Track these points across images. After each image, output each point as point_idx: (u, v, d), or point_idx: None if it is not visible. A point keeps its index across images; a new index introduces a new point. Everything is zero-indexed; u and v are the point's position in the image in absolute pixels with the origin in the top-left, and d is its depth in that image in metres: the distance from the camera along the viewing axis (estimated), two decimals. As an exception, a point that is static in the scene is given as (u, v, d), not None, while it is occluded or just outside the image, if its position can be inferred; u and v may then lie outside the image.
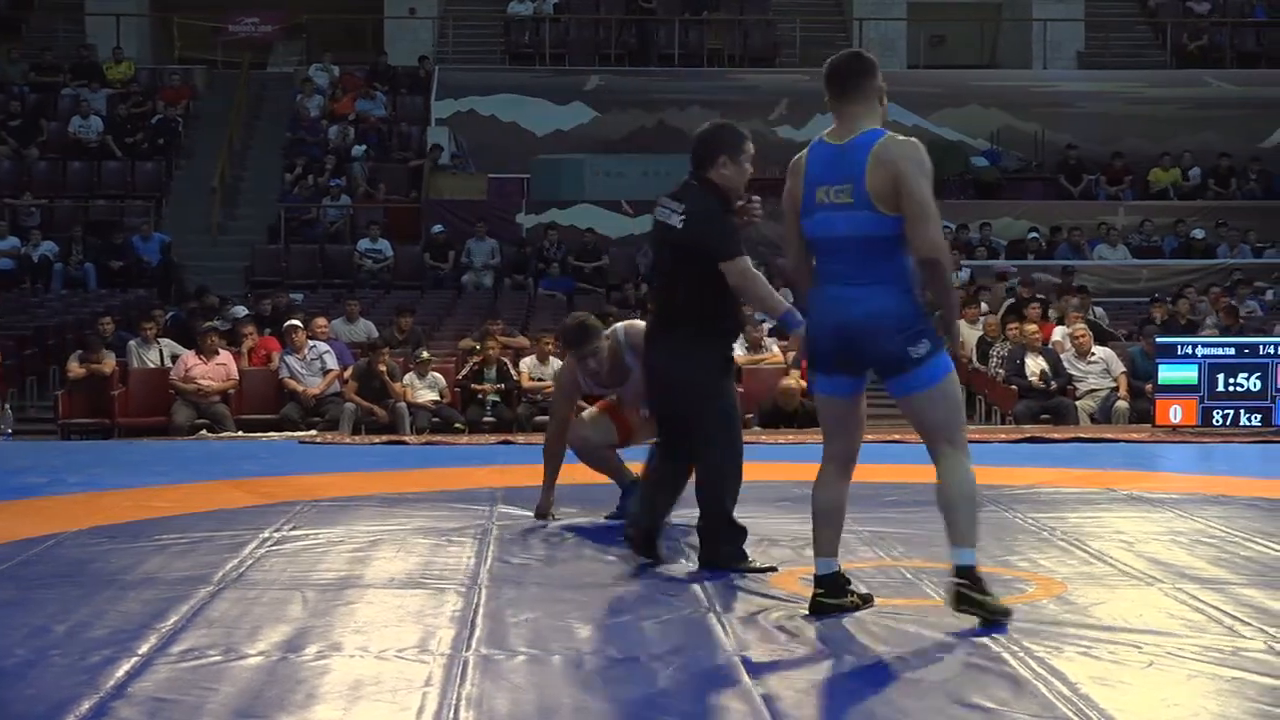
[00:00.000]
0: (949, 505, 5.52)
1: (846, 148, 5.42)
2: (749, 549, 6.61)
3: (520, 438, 13.44)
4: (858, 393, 5.64)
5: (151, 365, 15.66)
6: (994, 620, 5.35)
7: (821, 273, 5.51)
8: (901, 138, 5.39)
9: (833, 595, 5.57)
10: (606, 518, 8.02)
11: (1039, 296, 18.86)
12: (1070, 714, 4.34)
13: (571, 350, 7.98)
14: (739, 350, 15.33)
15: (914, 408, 5.53)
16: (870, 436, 13.02)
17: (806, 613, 5.56)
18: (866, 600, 5.68)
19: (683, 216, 6.44)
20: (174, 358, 15.55)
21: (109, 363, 15.44)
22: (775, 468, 10.82)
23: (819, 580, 5.58)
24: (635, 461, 7.52)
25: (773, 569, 6.49)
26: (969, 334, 17.26)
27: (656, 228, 6.62)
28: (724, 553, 6.47)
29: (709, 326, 6.46)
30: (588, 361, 7.84)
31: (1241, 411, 12.88)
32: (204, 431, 14.36)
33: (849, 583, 5.71)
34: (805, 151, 5.59)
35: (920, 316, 5.41)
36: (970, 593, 5.35)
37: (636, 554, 6.65)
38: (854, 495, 8.43)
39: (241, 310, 17.85)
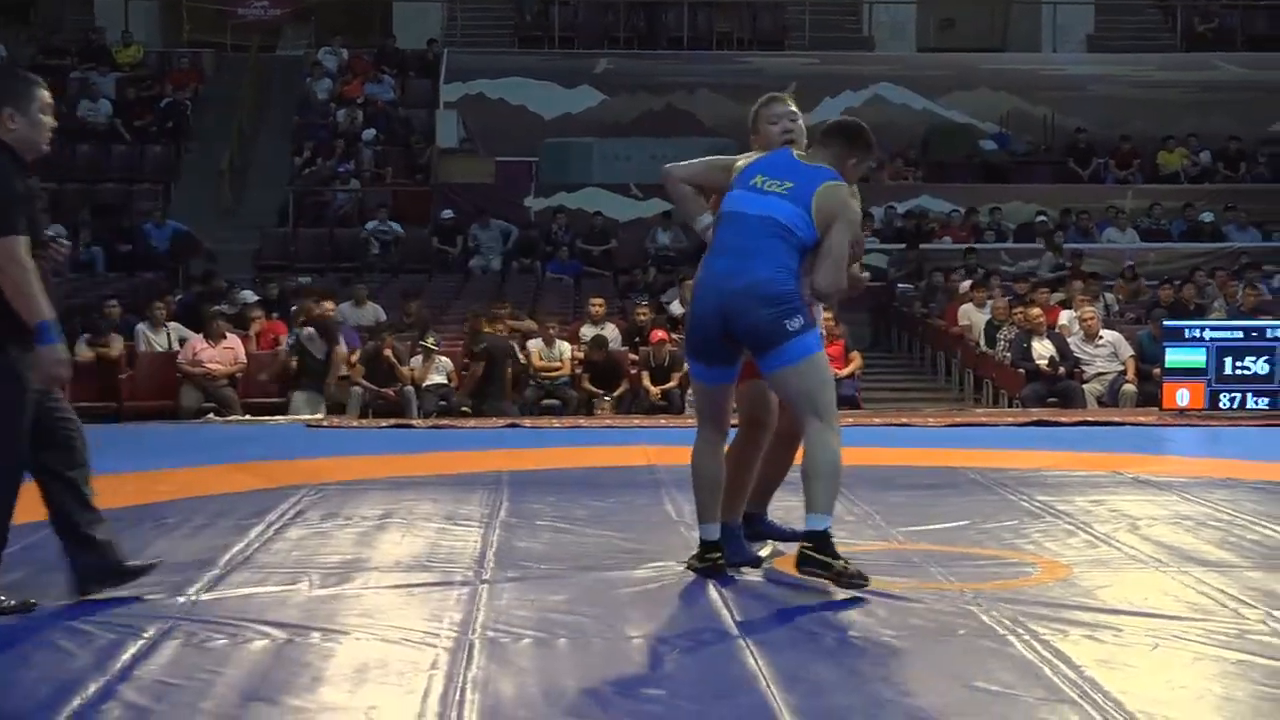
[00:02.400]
0: (812, 475, 5.64)
1: (805, 165, 5.82)
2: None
3: (527, 421, 13.46)
4: (732, 380, 5.89)
5: (160, 349, 15.66)
6: (845, 583, 5.53)
7: (714, 246, 5.81)
8: (847, 190, 5.80)
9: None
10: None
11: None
12: (1076, 697, 4.34)
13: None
14: None
15: (785, 380, 5.67)
16: (878, 420, 13.09)
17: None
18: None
19: None
20: (181, 341, 15.55)
21: (116, 346, 15.44)
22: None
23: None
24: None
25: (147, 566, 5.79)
26: (976, 317, 17.25)
27: None
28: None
29: None
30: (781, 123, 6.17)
31: (1249, 395, 12.87)
32: (211, 415, 14.37)
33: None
34: (757, 155, 5.99)
35: (798, 295, 5.65)
36: (814, 554, 5.56)
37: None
38: (862, 478, 8.49)
39: (250, 295, 17.82)
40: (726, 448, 6.11)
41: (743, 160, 5.96)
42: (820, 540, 5.60)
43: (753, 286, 5.60)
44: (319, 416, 13.86)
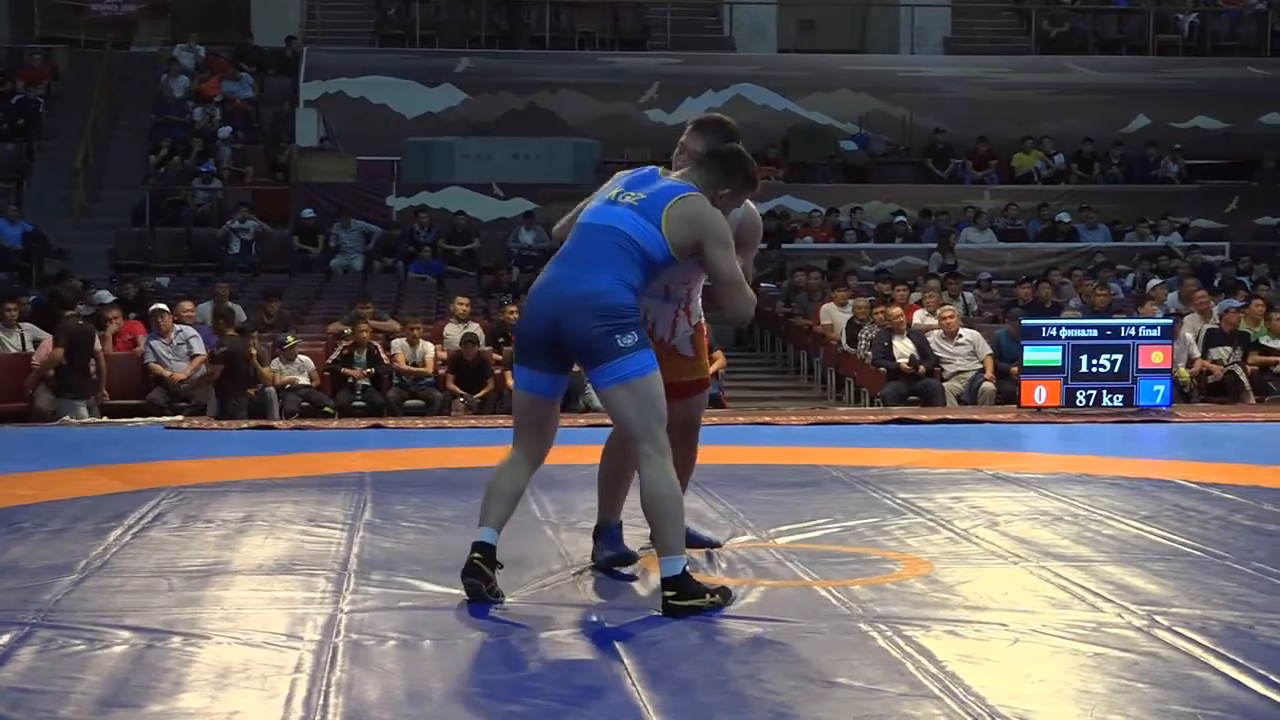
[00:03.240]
0: (656, 514, 5.37)
1: (665, 181, 5.64)
2: None
3: (390, 421, 13.38)
4: (556, 395, 5.64)
5: (13, 350, 15.35)
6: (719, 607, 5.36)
7: (557, 255, 5.64)
8: (708, 205, 5.56)
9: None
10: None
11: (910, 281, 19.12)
12: (937, 691, 4.39)
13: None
14: None
15: (615, 399, 5.42)
16: (742, 419, 13.15)
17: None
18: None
19: None
20: (35, 342, 15.26)
21: (-33, 348, 15.12)
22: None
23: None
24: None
25: None
26: (838, 317, 17.41)
27: None
28: None
29: None
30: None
31: (1104, 392, 13.09)
32: (67, 418, 14.12)
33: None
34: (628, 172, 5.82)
35: (633, 311, 5.42)
36: (678, 603, 5.29)
37: None
38: (726, 477, 8.54)
39: (106, 295, 17.54)
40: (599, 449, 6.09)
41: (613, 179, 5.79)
42: (680, 585, 5.31)
43: (587, 296, 5.38)
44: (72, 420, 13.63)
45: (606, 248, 5.46)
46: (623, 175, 5.76)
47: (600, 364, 5.37)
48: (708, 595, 5.37)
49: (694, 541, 6.34)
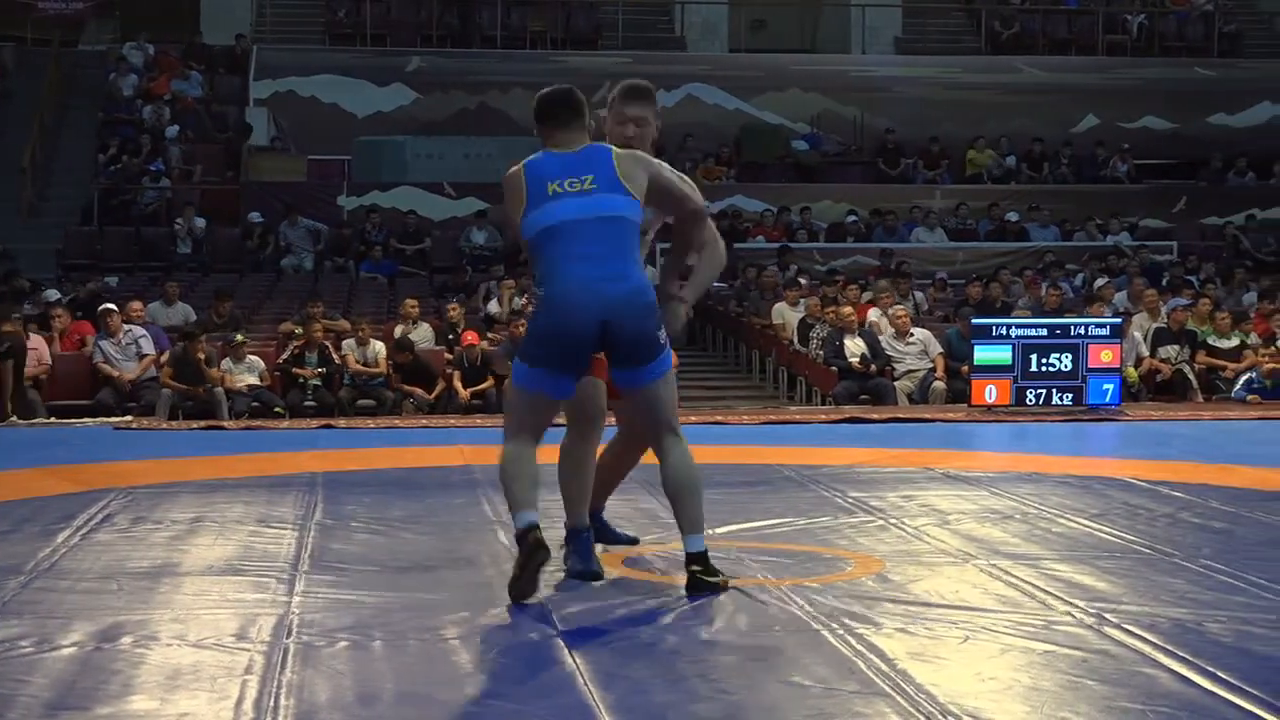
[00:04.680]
0: (687, 493, 5.59)
1: (579, 154, 5.61)
2: None
3: (342, 421, 13.34)
4: (570, 397, 5.68)
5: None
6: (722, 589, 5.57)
7: (564, 256, 5.44)
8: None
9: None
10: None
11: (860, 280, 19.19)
12: (889, 689, 4.40)
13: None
14: None
15: (655, 394, 5.56)
16: (694, 418, 13.18)
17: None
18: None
19: None
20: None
21: (-86, 348, 14.97)
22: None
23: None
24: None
25: None
26: (789, 316, 17.45)
27: None
28: None
29: None
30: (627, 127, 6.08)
31: (1054, 391, 13.18)
32: (14, 418, 14.02)
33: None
34: (521, 166, 5.63)
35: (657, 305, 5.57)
36: (705, 578, 5.53)
37: None
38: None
39: (53, 294, 17.44)
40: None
41: (515, 178, 5.59)
42: (706, 561, 5.56)
43: (635, 293, 5.40)
44: None
45: (612, 238, 5.45)
46: (526, 176, 5.57)
47: (646, 362, 5.49)
48: (722, 575, 5.59)
49: (613, 538, 6.42)
